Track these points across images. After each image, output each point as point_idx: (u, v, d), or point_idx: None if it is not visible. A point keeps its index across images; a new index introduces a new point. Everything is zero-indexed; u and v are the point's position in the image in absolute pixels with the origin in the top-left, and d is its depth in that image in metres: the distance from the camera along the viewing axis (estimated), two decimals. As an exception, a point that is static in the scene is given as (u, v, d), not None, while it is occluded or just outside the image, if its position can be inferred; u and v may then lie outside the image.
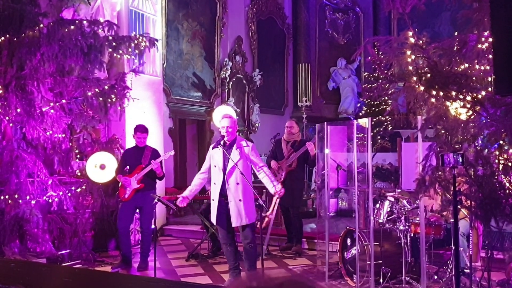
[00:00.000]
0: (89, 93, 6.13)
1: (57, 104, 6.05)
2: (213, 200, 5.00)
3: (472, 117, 3.53)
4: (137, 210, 6.12)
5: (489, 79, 3.54)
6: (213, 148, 5.07)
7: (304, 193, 8.43)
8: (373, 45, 4.39)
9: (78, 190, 6.35)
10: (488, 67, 3.55)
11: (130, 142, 7.13)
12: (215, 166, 4.98)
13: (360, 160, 5.73)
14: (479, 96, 3.52)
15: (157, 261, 5.26)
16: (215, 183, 4.96)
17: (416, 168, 4.30)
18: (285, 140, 6.71)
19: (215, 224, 5.19)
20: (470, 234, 4.50)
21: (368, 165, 4.83)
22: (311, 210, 8.49)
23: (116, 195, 6.36)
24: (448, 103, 3.59)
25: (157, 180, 6.14)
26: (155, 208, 5.14)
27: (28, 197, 5.73)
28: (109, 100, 6.27)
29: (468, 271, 4.42)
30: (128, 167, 6.02)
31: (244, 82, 11.38)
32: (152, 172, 5.91)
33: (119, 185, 6.05)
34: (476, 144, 3.58)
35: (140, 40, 6.31)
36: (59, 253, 6.01)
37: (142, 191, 5.89)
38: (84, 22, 5.96)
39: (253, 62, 11.93)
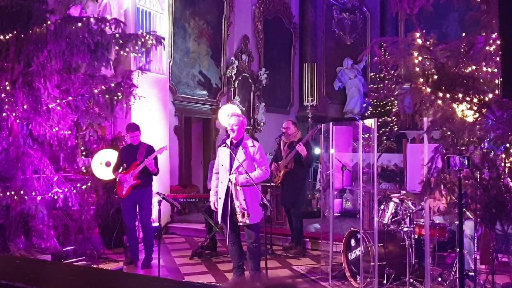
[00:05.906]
0: (96, 91, 6.16)
1: (63, 101, 6.08)
2: (219, 198, 5.01)
3: (478, 119, 3.51)
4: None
5: (497, 81, 3.52)
6: (219, 147, 5.10)
7: (308, 193, 8.41)
8: (380, 45, 4.37)
9: (84, 187, 6.40)
10: (495, 70, 3.53)
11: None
12: (222, 165, 5.01)
13: (365, 161, 5.72)
14: (486, 99, 3.50)
15: (161, 259, 5.28)
16: (222, 182, 4.99)
17: (421, 169, 4.28)
18: (284, 141, 6.71)
19: (220, 222, 5.19)
20: (475, 236, 4.48)
21: (373, 166, 4.81)
22: (316, 210, 8.47)
23: (114, 192, 6.41)
24: (454, 105, 3.57)
25: (153, 177, 6.17)
26: (160, 206, 5.17)
27: (33, 193, 5.77)
28: (115, 97, 6.28)
29: (472, 273, 4.40)
30: (125, 165, 6.05)
31: (250, 81, 11.38)
32: (147, 169, 5.95)
33: (116, 182, 6.09)
34: (482, 146, 3.56)
35: (147, 38, 6.32)
36: (63, 249, 6.04)
37: (139, 187, 5.96)
38: (91, 19, 5.98)
39: (259, 61, 11.93)
